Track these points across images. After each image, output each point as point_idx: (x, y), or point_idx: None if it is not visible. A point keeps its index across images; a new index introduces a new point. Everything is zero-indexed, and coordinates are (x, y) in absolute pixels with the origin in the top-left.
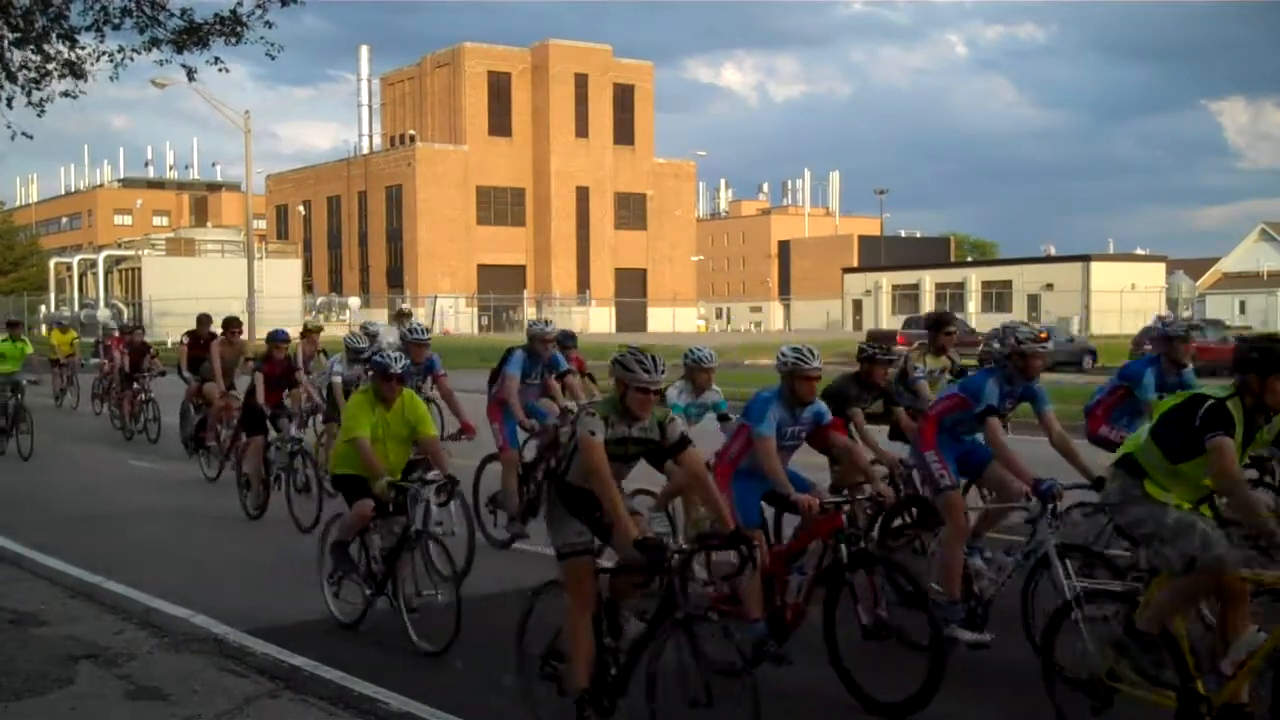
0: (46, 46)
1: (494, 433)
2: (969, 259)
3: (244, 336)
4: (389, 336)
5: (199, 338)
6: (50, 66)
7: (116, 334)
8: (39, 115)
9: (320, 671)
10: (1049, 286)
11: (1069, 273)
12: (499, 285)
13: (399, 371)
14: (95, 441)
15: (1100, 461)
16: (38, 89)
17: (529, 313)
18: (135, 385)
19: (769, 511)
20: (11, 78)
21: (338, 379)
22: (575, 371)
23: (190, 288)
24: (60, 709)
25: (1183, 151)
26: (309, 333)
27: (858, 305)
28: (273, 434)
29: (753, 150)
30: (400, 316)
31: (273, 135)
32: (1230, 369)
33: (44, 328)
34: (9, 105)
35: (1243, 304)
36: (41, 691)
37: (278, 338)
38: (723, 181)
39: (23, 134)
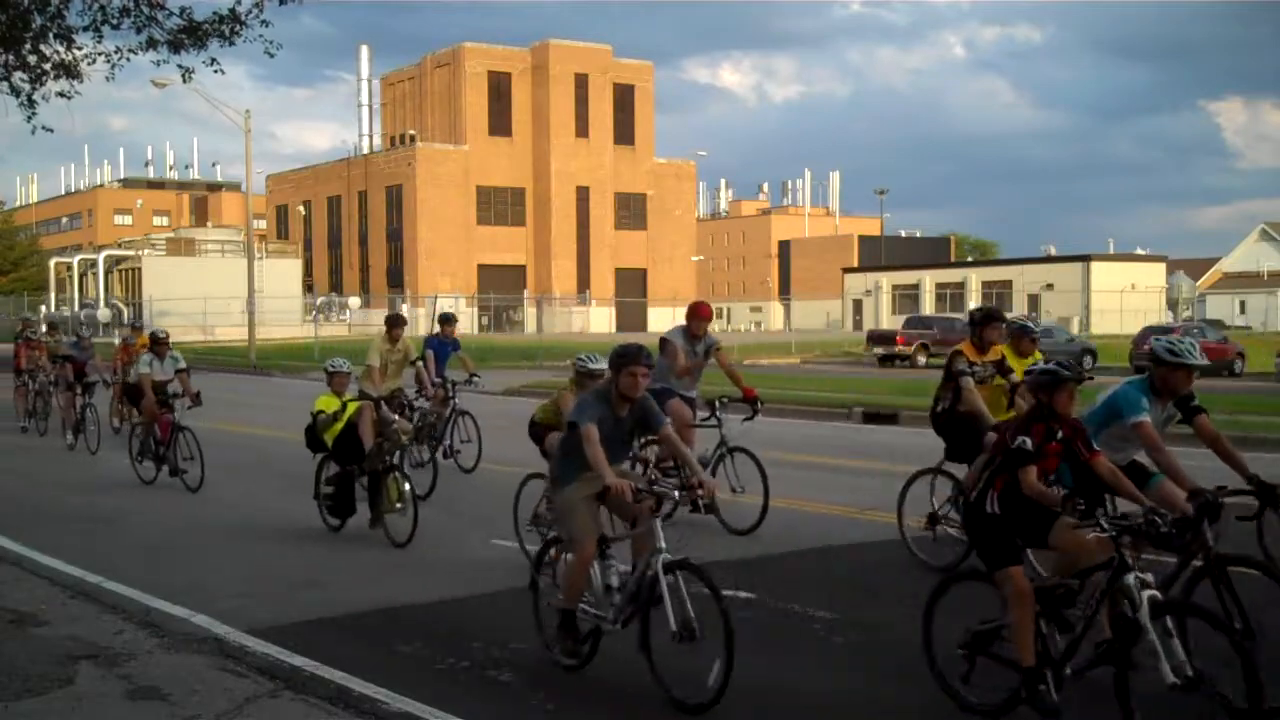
0: (43, 46)
1: None
2: (969, 259)
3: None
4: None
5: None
6: (46, 67)
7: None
8: (29, 119)
9: (320, 671)
10: (1049, 286)
11: (1069, 273)
12: (499, 285)
13: None
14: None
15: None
16: (33, 90)
17: (529, 312)
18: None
19: None
20: (6, 77)
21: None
22: None
23: (190, 288)
24: (60, 709)
25: (1181, 152)
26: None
27: (858, 305)
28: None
29: (752, 150)
30: None
31: (272, 135)
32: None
33: (44, 327)
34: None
35: (1243, 304)
36: (41, 691)
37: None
38: (723, 181)
39: (44, 128)
